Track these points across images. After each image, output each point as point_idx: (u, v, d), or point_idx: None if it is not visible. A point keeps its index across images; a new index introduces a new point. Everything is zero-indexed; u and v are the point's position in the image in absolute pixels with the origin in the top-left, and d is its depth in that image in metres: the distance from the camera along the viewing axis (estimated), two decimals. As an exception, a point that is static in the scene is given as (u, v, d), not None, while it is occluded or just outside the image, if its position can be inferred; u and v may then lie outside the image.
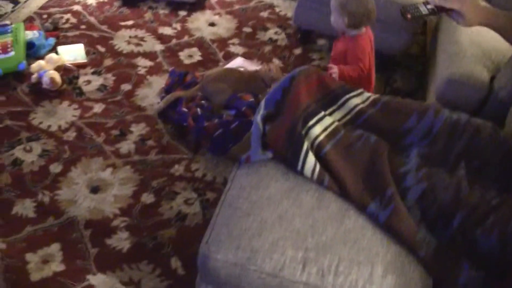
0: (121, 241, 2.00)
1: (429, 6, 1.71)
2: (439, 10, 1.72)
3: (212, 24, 3.20)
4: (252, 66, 2.80)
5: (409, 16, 1.68)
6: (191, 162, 2.34)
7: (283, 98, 1.77)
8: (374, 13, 2.30)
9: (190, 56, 2.93)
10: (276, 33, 3.23)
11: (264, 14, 3.38)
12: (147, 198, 2.17)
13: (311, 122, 1.72)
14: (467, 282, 1.40)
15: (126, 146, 2.37)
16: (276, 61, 2.89)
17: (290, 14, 3.38)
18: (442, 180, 1.60)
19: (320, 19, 2.80)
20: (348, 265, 1.42)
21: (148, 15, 3.17)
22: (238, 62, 2.87)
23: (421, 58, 3.32)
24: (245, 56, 2.98)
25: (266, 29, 3.25)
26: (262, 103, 1.80)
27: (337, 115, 1.83)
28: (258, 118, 1.74)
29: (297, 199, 1.57)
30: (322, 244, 1.46)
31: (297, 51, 3.12)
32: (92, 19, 3.08)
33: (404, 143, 1.78)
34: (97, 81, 2.68)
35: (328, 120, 1.76)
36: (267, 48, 3.09)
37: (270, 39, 3.18)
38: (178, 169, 2.30)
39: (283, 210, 1.53)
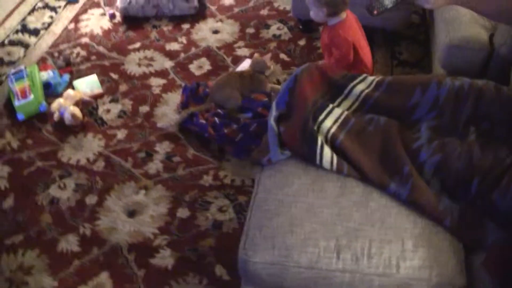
0: (164, 258, 2.10)
1: None
2: None
3: (216, 32, 3.28)
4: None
5: (375, 12, 1.70)
6: (218, 170, 2.43)
7: (291, 98, 1.85)
8: None
9: (200, 67, 3.02)
10: (278, 28, 3.30)
11: (264, 12, 3.45)
12: (183, 212, 2.27)
13: (321, 117, 1.79)
14: (494, 240, 1.46)
15: (154, 166, 2.47)
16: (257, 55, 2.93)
17: (289, 7, 3.43)
18: (454, 149, 1.66)
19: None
20: (379, 245, 1.50)
21: (153, 34, 3.27)
22: (246, 64, 2.95)
23: (422, 27, 3.36)
24: (253, 56, 3.04)
25: (268, 26, 3.32)
26: (273, 105, 1.88)
27: (345, 104, 1.90)
28: (271, 120, 1.83)
29: (321, 191, 1.65)
30: (351, 229, 1.54)
31: (301, 42, 3.18)
32: (101, 49, 3.18)
33: (413, 119, 1.84)
34: (115, 108, 2.78)
35: (337, 112, 1.84)
36: (273, 45, 3.16)
37: (274, 35, 3.25)
38: (207, 179, 2.39)
39: (310, 204, 1.61)
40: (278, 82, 2.87)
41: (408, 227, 1.54)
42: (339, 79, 1.92)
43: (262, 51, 3.09)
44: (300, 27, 3.26)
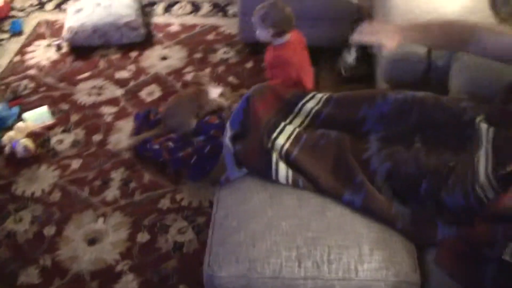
0: (128, 283, 2.13)
1: (352, 52, 1.80)
2: (362, 51, 1.79)
3: (164, 58, 3.35)
4: (211, 89, 2.95)
5: (343, 72, 1.80)
6: (175, 193, 2.48)
7: (245, 117, 1.94)
8: (292, 16, 2.53)
9: (150, 93, 3.08)
10: (225, 52, 3.40)
11: (210, 36, 3.54)
12: (142, 237, 2.31)
13: (274, 135, 1.88)
14: (443, 237, 1.57)
15: (111, 193, 2.50)
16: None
17: (234, 31, 3.54)
18: (402, 156, 1.78)
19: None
20: (338, 252, 1.59)
21: (102, 63, 3.30)
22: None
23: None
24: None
25: (215, 50, 3.41)
26: (228, 125, 1.96)
27: (297, 121, 2.00)
28: (226, 139, 1.91)
29: (280, 204, 1.73)
30: (310, 239, 1.62)
31: (249, 64, 3.29)
32: (49, 80, 3.19)
33: (362, 131, 1.95)
34: (68, 138, 2.80)
35: (289, 129, 1.93)
36: (221, 69, 3.25)
37: (221, 59, 3.34)
38: (164, 203, 2.44)
39: (270, 217, 1.69)
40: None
41: (364, 232, 1.63)
42: (290, 97, 2.02)
43: (211, 75, 3.18)
44: (247, 50, 3.36)
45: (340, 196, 1.73)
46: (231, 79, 3.17)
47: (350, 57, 1.78)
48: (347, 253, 1.58)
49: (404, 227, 1.64)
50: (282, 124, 1.94)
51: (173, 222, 2.35)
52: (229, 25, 3.65)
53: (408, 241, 1.65)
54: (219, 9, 3.86)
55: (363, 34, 1.88)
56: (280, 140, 1.87)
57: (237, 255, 1.61)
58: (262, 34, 2.58)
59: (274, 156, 1.81)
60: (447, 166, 1.69)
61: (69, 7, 3.68)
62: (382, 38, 1.83)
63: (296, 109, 2.01)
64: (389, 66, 2.52)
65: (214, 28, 3.64)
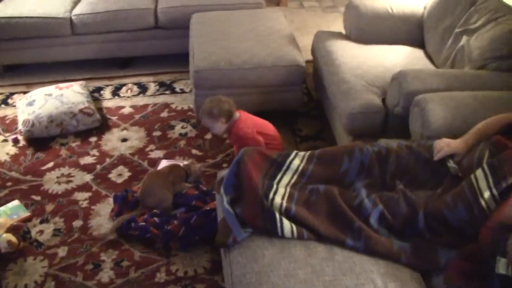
0: None
1: (450, 164, 2.23)
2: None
3: (124, 140, 3.59)
4: (177, 162, 3.22)
5: (460, 174, 2.18)
6: (169, 266, 2.68)
7: (238, 181, 2.23)
8: (230, 99, 3.10)
9: (119, 175, 3.30)
10: (182, 127, 3.70)
11: (164, 114, 3.84)
12: (148, 312, 2.49)
13: (270, 196, 2.17)
14: (447, 260, 1.92)
15: (105, 275, 2.67)
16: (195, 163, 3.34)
17: (186, 106, 3.88)
18: (391, 198, 2.13)
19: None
20: (355, 290, 1.88)
21: (63, 152, 3.49)
22: (163, 164, 3.28)
23: (311, 103, 3.94)
24: (167, 156, 3.39)
25: (172, 127, 3.71)
26: (222, 191, 2.24)
27: (286, 179, 2.30)
28: (225, 205, 2.19)
29: (291, 256, 2.01)
30: (328, 282, 1.90)
31: (208, 136, 3.60)
32: (14, 174, 3.34)
33: (347, 182, 2.29)
34: (48, 228, 2.95)
35: (281, 190, 2.23)
36: (182, 143, 3.53)
37: (180, 133, 3.63)
38: (161, 276, 2.64)
39: (285, 269, 1.96)
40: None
41: (374, 269, 1.94)
42: (276, 157, 2.34)
43: (175, 150, 3.45)
44: (203, 122, 3.69)
45: (343, 242, 2.04)
46: (194, 151, 3.45)
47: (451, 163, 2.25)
48: (364, 289, 1.88)
49: (408, 260, 1.97)
50: (275, 186, 2.24)
51: (174, 294, 2.56)
52: (179, 101, 3.97)
53: (413, 271, 1.97)
54: (166, 87, 4.18)
55: (441, 151, 2.24)
56: (277, 200, 2.17)
57: (264, 308, 1.86)
58: (217, 126, 3.06)
59: (277, 214, 2.10)
60: (437, 195, 2.06)
61: (18, 101, 3.86)
62: (453, 149, 2.23)
63: (284, 168, 2.32)
64: (349, 119, 2.93)
65: (165, 105, 3.94)
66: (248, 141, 2.95)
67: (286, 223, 2.08)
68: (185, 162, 3.25)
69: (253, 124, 3.09)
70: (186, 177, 3.09)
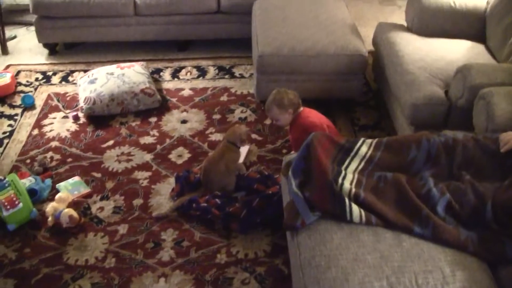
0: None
1: None
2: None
3: (184, 121, 3.69)
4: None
5: None
6: (229, 247, 2.76)
7: (307, 165, 2.29)
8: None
9: (179, 156, 3.39)
10: (242, 111, 3.77)
11: (224, 98, 3.92)
12: (209, 291, 2.58)
13: (340, 181, 2.23)
14: None
15: (166, 254, 2.76)
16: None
17: (245, 91, 3.96)
18: (458, 188, 2.17)
19: (280, 87, 3.29)
20: (424, 276, 1.92)
21: (123, 131, 3.60)
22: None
23: (370, 93, 3.97)
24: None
25: (232, 111, 3.79)
26: (290, 174, 2.30)
27: (353, 165, 2.36)
28: (294, 188, 2.25)
29: (359, 241, 2.06)
30: (396, 267, 1.95)
31: (267, 121, 3.66)
32: (74, 150, 3.47)
33: (414, 171, 2.34)
34: (108, 205, 3.06)
35: (349, 176, 2.29)
36: (242, 127, 3.59)
37: (240, 118, 3.71)
38: (221, 258, 2.72)
39: (354, 253, 2.01)
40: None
41: (441, 257, 1.98)
42: (344, 143, 2.39)
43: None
44: (263, 108, 3.73)
45: (411, 230, 2.08)
46: (254, 136, 3.52)
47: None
48: (432, 276, 1.92)
49: (475, 250, 2.01)
50: (343, 169, 2.29)
51: (235, 275, 2.63)
52: (238, 86, 4.05)
53: (481, 261, 2.00)
54: (225, 71, 4.26)
55: (508, 143, 2.26)
56: (346, 185, 2.21)
57: (334, 290, 1.91)
58: (285, 118, 3.11)
59: (347, 200, 2.14)
60: (504, 186, 2.07)
61: (79, 78, 4.00)
62: None
63: (352, 154, 2.37)
64: (413, 109, 2.97)
65: (225, 89, 4.02)
66: (315, 129, 2.98)
67: (355, 208, 2.13)
68: (246, 147, 3.31)
69: (317, 116, 3.13)
70: (236, 146, 3.12)
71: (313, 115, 3.13)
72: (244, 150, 3.33)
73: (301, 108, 3.13)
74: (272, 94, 3.11)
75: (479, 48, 3.50)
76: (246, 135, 3.19)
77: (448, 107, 2.96)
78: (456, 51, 3.39)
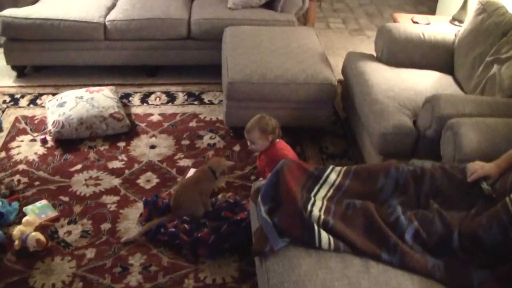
0: None
1: (484, 186, 2.35)
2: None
3: (153, 147, 3.72)
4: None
5: (494, 195, 2.30)
6: (197, 273, 2.78)
7: (276, 191, 2.34)
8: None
9: (148, 181, 3.41)
10: (211, 137, 3.82)
11: (193, 124, 3.96)
12: (177, 316, 2.59)
13: (309, 208, 2.28)
14: (481, 281, 2.02)
15: (133, 278, 2.76)
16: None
17: (214, 117, 4.01)
18: (426, 216, 2.24)
19: (249, 114, 3.34)
20: (391, 303, 1.97)
21: (92, 155, 3.61)
22: (191, 173, 3.39)
23: (337, 123, 4.07)
24: (195, 165, 3.50)
25: (201, 137, 3.83)
26: (260, 201, 2.35)
27: (322, 192, 2.41)
28: (263, 214, 2.30)
29: (327, 267, 2.11)
30: (364, 294, 2.00)
31: (236, 148, 3.71)
32: (42, 174, 3.46)
33: (382, 199, 2.40)
34: (76, 229, 3.05)
35: (319, 203, 2.34)
36: (210, 153, 3.65)
37: (209, 144, 3.75)
38: (189, 283, 2.73)
39: (322, 279, 2.06)
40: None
41: (408, 284, 2.04)
42: (314, 171, 2.45)
43: (203, 160, 3.56)
44: (231, 134, 3.79)
45: (379, 256, 2.14)
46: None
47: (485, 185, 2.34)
48: (399, 303, 1.97)
49: (442, 277, 2.07)
50: (312, 198, 2.35)
51: (203, 300, 2.65)
52: (207, 112, 4.11)
53: (448, 288, 2.07)
54: (194, 97, 4.32)
55: (475, 173, 2.35)
56: (316, 212, 2.27)
57: (302, 314, 1.95)
58: (262, 143, 3.17)
59: (316, 227, 2.20)
60: (471, 216, 2.16)
61: (47, 102, 3.99)
62: (486, 172, 2.35)
63: (321, 181, 2.43)
64: (381, 139, 3.05)
65: (194, 115, 4.07)
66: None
67: (324, 235, 2.18)
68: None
69: (290, 152, 3.22)
70: (214, 176, 3.15)
71: (288, 149, 3.20)
72: (191, 172, 3.40)
73: (278, 140, 3.20)
74: (256, 117, 3.17)
75: (447, 79, 3.61)
76: (228, 170, 3.26)
77: (416, 137, 3.05)
78: (425, 82, 3.50)
